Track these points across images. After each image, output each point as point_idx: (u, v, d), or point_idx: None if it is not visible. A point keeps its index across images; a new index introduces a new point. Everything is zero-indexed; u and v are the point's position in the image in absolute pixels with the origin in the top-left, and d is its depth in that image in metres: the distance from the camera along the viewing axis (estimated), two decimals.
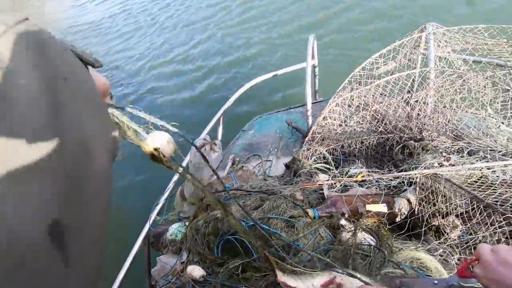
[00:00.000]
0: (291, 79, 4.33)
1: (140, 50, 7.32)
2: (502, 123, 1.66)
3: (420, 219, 1.38)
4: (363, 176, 1.43)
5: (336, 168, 1.81)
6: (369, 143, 2.05)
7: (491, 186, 1.22)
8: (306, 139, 2.05)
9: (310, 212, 1.26)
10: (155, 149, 0.45)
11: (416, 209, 1.44)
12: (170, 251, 1.50)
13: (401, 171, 1.42)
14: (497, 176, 1.27)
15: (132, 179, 4.36)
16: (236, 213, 1.26)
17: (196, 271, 1.12)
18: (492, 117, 1.75)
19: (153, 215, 1.80)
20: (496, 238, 1.11)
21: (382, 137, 2.04)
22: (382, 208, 1.41)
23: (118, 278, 1.61)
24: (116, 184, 4.42)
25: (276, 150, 2.38)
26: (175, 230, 1.58)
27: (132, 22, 8.77)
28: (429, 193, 1.38)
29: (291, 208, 1.23)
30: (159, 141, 0.45)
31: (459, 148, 1.68)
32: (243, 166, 2.29)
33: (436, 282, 0.80)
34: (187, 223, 1.50)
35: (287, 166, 2.04)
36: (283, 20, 6.42)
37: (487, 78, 1.80)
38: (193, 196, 1.59)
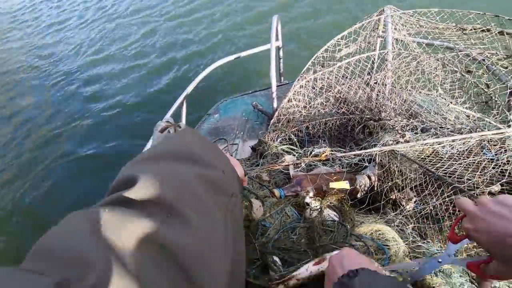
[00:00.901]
0: (256, 62, 4.28)
1: (81, 41, 6.73)
2: (451, 102, 1.79)
3: (379, 193, 1.46)
4: (326, 155, 1.47)
5: (301, 148, 1.84)
6: (332, 124, 2.11)
7: (441, 160, 1.32)
8: (272, 121, 2.06)
9: (276, 192, 1.27)
10: None
11: (376, 185, 1.52)
12: None
13: (362, 149, 1.47)
14: (446, 151, 1.37)
15: (88, 165, 4.12)
16: None
17: None
18: (442, 97, 1.87)
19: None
20: (445, 207, 1.21)
21: (344, 118, 2.11)
22: (344, 185, 1.46)
23: None
24: (69, 171, 4.13)
25: (242, 133, 2.36)
26: None
27: (61, 11, 7.95)
28: (387, 168, 1.46)
29: (258, 189, 1.22)
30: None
31: (413, 126, 1.79)
32: None
33: (440, 260, 0.80)
34: None
35: (253, 148, 2.03)
36: (244, 6, 6.27)
37: (438, 60, 1.91)
38: None
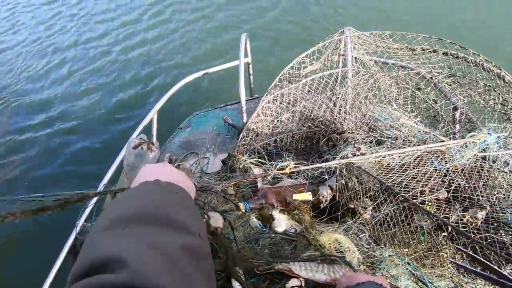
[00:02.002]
0: (228, 76, 4.38)
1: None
2: (403, 117, 1.95)
3: (340, 203, 1.57)
4: (290, 169, 1.56)
5: (270, 161, 1.92)
6: (299, 137, 2.22)
7: (392, 171, 1.45)
8: (241, 135, 2.13)
9: (242, 205, 1.33)
10: None
11: (337, 195, 1.62)
12: None
13: (323, 161, 1.58)
14: (397, 162, 1.50)
15: (57, 179, 3.95)
16: None
17: None
18: (397, 111, 2.04)
19: (81, 221, 1.68)
20: (397, 214, 1.33)
21: (310, 131, 2.23)
22: (307, 196, 1.55)
23: None
24: (39, 184, 3.95)
25: (213, 147, 2.41)
26: None
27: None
28: (346, 179, 1.57)
29: (223, 202, 1.28)
30: None
31: (371, 138, 1.93)
32: (179, 165, 2.27)
33: None
34: None
35: (223, 162, 2.09)
36: (212, 18, 6.39)
37: (392, 78, 2.09)
38: None
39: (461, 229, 1.12)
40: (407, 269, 1.10)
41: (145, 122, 2.26)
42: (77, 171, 4.04)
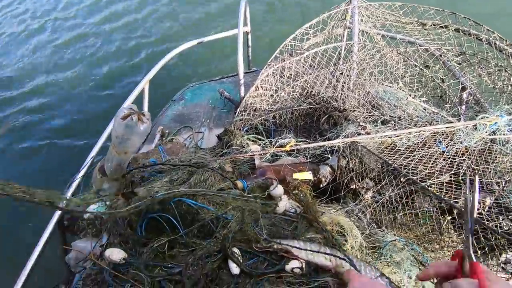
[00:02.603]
0: (225, 47, 4.16)
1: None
2: (409, 95, 1.86)
3: (341, 183, 1.51)
4: (291, 146, 1.47)
5: (268, 138, 1.83)
6: (299, 113, 2.12)
7: (398, 152, 1.38)
8: (238, 109, 2.01)
9: (239, 183, 1.25)
10: None
11: (338, 175, 1.56)
12: (88, 235, 1.35)
13: (325, 140, 1.49)
14: (403, 143, 1.43)
15: (44, 154, 3.81)
16: (161, 189, 1.18)
17: (115, 254, 1.03)
18: (402, 90, 1.95)
19: (67, 195, 1.59)
20: (399, 196, 1.28)
21: (311, 108, 2.13)
22: (308, 175, 1.48)
23: (27, 267, 1.42)
24: (25, 161, 3.81)
25: (208, 121, 2.30)
26: (93, 211, 1.42)
27: None
28: (348, 159, 1.50)
29: (220, 180, 1.20)
30: None
31: (375, 118, 1.85)
32: (173, 139, 2.16)
33: None
34: (107, 203, 1.36)
35: (219, 137, 1.99)
36: None
37: (400, 54, 1.97)
38: (115, 172, 1.43)
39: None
40: (412, 255, 1.06)
41: (136, 92, 2.12)
42: (64, 143, 3.89)
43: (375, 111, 1.95)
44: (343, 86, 2.11)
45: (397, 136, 1.39)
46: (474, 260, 0.59)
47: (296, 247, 1.01)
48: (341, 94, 2.09)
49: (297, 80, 2.14)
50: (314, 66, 2.18)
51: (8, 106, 4.67)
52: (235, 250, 1.03)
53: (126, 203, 1.19)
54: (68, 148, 3.75)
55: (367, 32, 2.19)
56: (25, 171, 3.65)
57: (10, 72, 5.23)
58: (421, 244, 1.18)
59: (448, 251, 1.26)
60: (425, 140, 1.49)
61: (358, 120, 1.69)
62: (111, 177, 1.42)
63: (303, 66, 2.16)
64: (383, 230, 1.26)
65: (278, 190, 1.28)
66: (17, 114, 4.54)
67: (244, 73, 2.51)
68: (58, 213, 1.57)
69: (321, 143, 1.42)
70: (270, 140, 1.62)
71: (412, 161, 1.29)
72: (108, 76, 4.73)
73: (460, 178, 1.22)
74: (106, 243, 1.19)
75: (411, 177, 1.16)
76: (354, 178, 1.49)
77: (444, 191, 1.16)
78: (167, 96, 2.79)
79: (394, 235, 1.21)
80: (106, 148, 1.75)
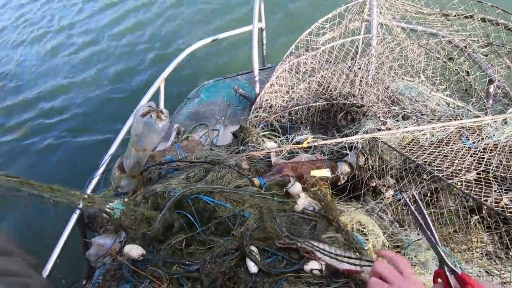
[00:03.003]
0: (239, 44, 4.14)
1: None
2: (432, 89, 1.78)
3: (360, 181, 1.46)
4: (308, 143, 1.44)
5: (284, 135, 1.80)
6: (315, 109, 2.07)
7: (421, 148, 1.32)
8: (253, 106, 1.99)
9: (256, 181, 1.24)
10: None
11: (357, 172, 1.51)
12: (108, 231, 1.37)
13: (343, 136, 1.45)
14: (426, 138, 1.37)
15: (64, 153, 3.93)
16: (178, 186, 1.18)
17: (134, 250, 1.03)
18: (424, 84, 1.87)
19: (88, 192, 1.63)
20: (423, 194, 1.22)
21: (327, 104, 2.08)
22: (326, 172, 1.44)
23: (50, 261, 1.46)
24: (47, 159, 3.94)
25: (223, 118, 2.29)
26: (114, 206, 1.44)
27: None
28: (368, 156, 1.45)
29: (237, 177, 1.18)
30: None
31: (395, 113, 1.78)
32: (188, 136, 2.17)
33: None
34: (126, 200, 1.38)
35: (234, 135, 1.98)
36: None
37: (421, 46, 1.89)
38: (134, 169, 1.44)
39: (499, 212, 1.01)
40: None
41: (152, 90, 2.14)
42: (84, 142, 3.98)
43: (395, 106, 1.88)
44: (361, 81, 2.04)
45: (420, 132, 1.33)
46: (459, 271, 0.57)
47: (320, 249, 0.97)
48: (359, 89, 2.03)
49: (313, 76, 2.10)
50: (331, 61, 2.13)
51: (29, 107, 4.84)
52: (253, 248, 1.01)
53: (144, 200, 1.20)
54: (87, 146, 3.85)
55: (386, 25, 2.12)
56: (46, 169, 3.78)
57: (30, 74, 5.42)
58: (447, 244, 1.13)
59: (477, 252, 1.19)
60: (450, 136, 1.42)
61: (378, 115, 1.64)
62: (129, 174, 1.43)
63: (319, 61, 2.11)
64: (406, 229, 1.21)
65: (296, 187, 1.26)
66: (38, 114, 4.70)
67: (259, 69, 2.48)
68: (78, 211, 1.60)
69: (339, 140, 1.38)
70: (287, 137, 1.59)
71: (437, 157, 1.23)
72: (123, 76, 4.82)
73: (489, 175, 1.16)
74: (124, 239, 1.20)
75: (436, 173, 1.10)
76: (374, 176, 1.44)
77: (472, 189, 1.10)
78: (182, 95, 2.80)
79: (418, 234, 1.16)
80: (125, 145, 1.78)
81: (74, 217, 1.57)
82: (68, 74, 5.17)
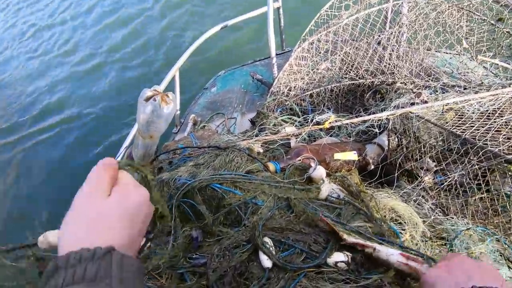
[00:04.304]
0: (257, 30, 3.99)
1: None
2: (477, 56, 1.53)
3: (393, 164, 1.27)
4: (330, 123, 1.28)
5: (305, 119, 1.65)
6: (339, 90, 1.89)
7: (468, 121, 1.10)
8: (271, 89, 1.85)
9: (271, 165, 1.10)
10: None
11: (389, 154, 1.32)
12: None
13: (371, 114, 1.27)
14: (474, 111, 1.15)
15: (82, 148, 4.03)
16: (185, 173, 1.08)
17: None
18: (468, 52, 1.61)
19: None
20: (472, 175, 1.02)
21: (353, 84, 1.88)
22: (352, 155, 1.27)
23: None
24: (66, 161, 4.05)
25: (240, 106, 2.17)
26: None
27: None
28: (401, 135, 1.26)
29: (248, 162, 1.06)
30: None
31: (433, 88, 1.55)
32: (205, 126, 2.08)
33: None
34: None
35: (252, 121, 1.85)
36: None
37: (462, 8, 1.63)
38: (142, 158, 1.37)
39: None
40: (493, 247, 0.82)
41: (166, 80, 2.08)
42: (101, 136, 4.03)
43: (433, 81, 1.65)
44: (390, 55, 1.82)
45: (464, 102, 1.11)
46: None
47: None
48: (389, 64, 1.81)
49: (336, 54, 1.90)
50: (355, 36, 1.92)
51: (56, 109, 5.01)
52: (267, 240, 0.88)
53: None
54: (105, 140, 3.90)
55: None
56: (67, 165, 3.88)
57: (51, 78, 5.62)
58: (507, 235, 0.92)
59: None
60: (504, 107, 1.18)
61: (410, 89, 1.43)
62: (139, 164, 1.36)
63: (342, 37, 1.91)
64: (452, 218, 1.02)
65: (319, 171, 1.11)
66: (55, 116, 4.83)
67: (277, 54, 2.33)
68: None
69: (367, 117, 1.20)
70: (305, 118, 1.43)
71: (488, 131, 1.02)
72: (139, 69, 4.84)
73: None
74: None
75: (490, 148, 0.90)
76: (410, 157, 1.24)
77: None
78: (200, 86, 2.73)
79: (467, 223, 0.96)
80: None
81: None
82: (84, 74, 5.30)
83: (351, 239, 0.81)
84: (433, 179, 1.18)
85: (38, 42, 6.36)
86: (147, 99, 1.33)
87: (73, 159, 3.89)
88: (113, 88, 4.73)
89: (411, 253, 0.76)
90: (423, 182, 1.15)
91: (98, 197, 0.45)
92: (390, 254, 0.77)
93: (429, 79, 1.68)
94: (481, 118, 1.10)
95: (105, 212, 0.44)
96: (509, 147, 0.92)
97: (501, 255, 0.83)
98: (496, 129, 1.04)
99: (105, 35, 5.80)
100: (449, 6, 1.67)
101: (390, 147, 1.31)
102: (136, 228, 0.46)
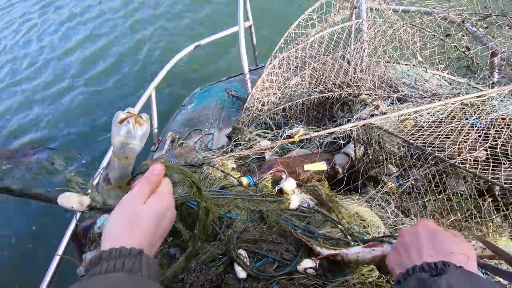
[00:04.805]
0: (231, 44, 4.10)
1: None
2: (428, 68, 1.68)
3: (359, 172, 1.37)
4: (300, 136, 1.36)
5: (278, 133, 1.73)
6: (310, 103, 1.99)
7: (421, 130, 1.22)
8: (245, 105, 1.93)
9: (244, 179, 1.16)
10: None
11: (356, 162, 1.42)
12: (99, 246, 1.32)
13: (337, 126, 1.36)
14: (427, 119, 1.26)
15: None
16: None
17: None
18: (422, 65, 1.76)
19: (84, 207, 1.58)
20: (430, 178, 1.12)
21: (322, 96, 1.99)
22: (321, 166, 1.36)
23: (45, 281, 1.42)
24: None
25: (217, 121, 2.24)
26: (103, 221, 1.39)
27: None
28: (365, 144, 1.36)
29: (223, 178, 1.11)
30: None
31: (393, 98, 1.68)
32: (183, 143, 2.12)
33: None
34: None
35: (228, 137, 1.91)
36: None
37: (414, 26, 1.79)
38: (119, 180, 1.39)
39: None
40: None
41: (143, 99, 2.11)
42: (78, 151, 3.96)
43: (395, 92, 1.78)
44: (355, 69, 1.95)
45: (416, 112, 1.23)
46: None
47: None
48: (354, 77, 1.94)
49: (305, 69, 2.02)
50: (322, 52, 2.05)
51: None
52: (241, 252, 0.93)
53: None
54: (78, 161, 3.83)
55: (377, 9, 2.03)
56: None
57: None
58: (460, 231, 1.02)
59: (493, 237, 1.08)
60: (453, 115, 1.31)
61: (372, 101, 1.54)
62: (116, 185, 1.38)
63: (310, 53, 2.03)
64: (412, 219, 1.11)
65: (289, 183, 1.18)
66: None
67: (251, 69, 2.42)
68: (72, 226, 1.56)
69: (332, 129, 1.29)
70: (278, 131, 1.51)
71: (437, 138, 1.13)
72: (116, 86, 4.80)
73: (497, 151, 1.05)
74: None
75: (437, 154, 1.00)
76: (374, 165, 1.34)
77: (480, 168, 0.99)
78: (177, 103, 2.77)
79: None
80: None
81: (69, 233, 1.53)
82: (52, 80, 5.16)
83: (324, 252, 0.87)
84: (395, 183, 1.28)
85: (2, 63, 6.17)
86: (121, 121, 1.37)
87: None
88: (88, 107, 4.66)
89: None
90: (386, 186, 1.25)
91: (138, 202, 0.59)
92: (357, 252, 0.83)
93: (390, 90, 1.82)
94: (432, 126, 1.22)
95: (140, 216, 0.57)
96: (454, 152, 1.03)
97: None
98: (444, 135, 1.16)
99: (75, 55, 5.71)
100: (403, 24, 1.83)
101: (357, 155, 1.41)
102: (160, 232, 0.59)
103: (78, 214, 1.60)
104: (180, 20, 5.41)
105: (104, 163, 1.80)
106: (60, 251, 1.51)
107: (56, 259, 1.49)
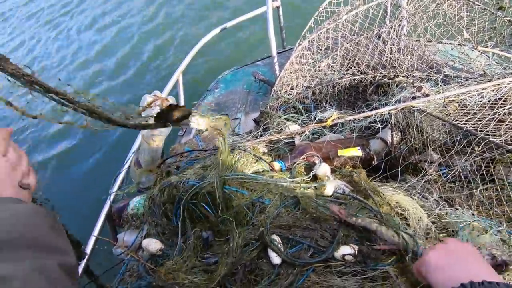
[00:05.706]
0: (258, 28, 4.00)
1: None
2: (476, 46, 1.52)
3: (397, 158, 1.29)
4: (333, 120, 1.29)
5: (308, 117, 1.67)
6: (341, 86, 1.90)
7: (470, 113, 1.11)
8: (273, 89, 1.87)
9: (276, 164, 1.13)
10: None
11: (392, 148, 1.34)
12: (133, 227, 1.36)
13: (373, 109, 1.28)
14: (475, 101, 1.15)
15: (90, 153, 4.09)
16: (193, 176, 1.11)
17: (152, 244, 0.99)
18: (470, 42, 1.61)
19: (114, 190, 1.63)
20: (476, 166, 1.03)
21: (355, 79, 1.89)
22: (356, 151, 1.29)
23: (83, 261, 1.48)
24: (78, 161, 4.09)
25: (244, 106, 2.20)
26: (136, 203, 1.42)
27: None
28: (404, 129, 1.27)
29: (253, 162, 1.08)
30: None
31: (435, 80, 1.55)
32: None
33: None
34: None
35: (256, 121, 1.88)
36: None
37: None
38: (149, 164, 1.41)
39: None
40: (499, 238, 0.83)
41: (170, 84, 2.11)
42: (109, 141, 4.08)
43: (435, 73, 1.65)
44: (391, 49, 1.82)
45: (465, 94, 1.12)
46: None
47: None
48: (390, 58, 1.82)
49: (337, 50, 1.91)
50: (355, 31, 1.93)
51: None
52: (275, 237, 0.91)
53: (160, 193, 1.15)
54: (111, 146, 3.95)
55: None
56: (75, 173, 3.95)
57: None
58: (509, 226, 0.93)
59: None
60: (507, 97, 1.18)
61: (412, 82, 1.43)
62: (146, 169, 1.40)
63: (342, 33, 1.92)
64: (457, 209, 1.03)
65: (323, 168, 1.13)
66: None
67: (278, 52, 2.34)
68: (106, 207, 1.62)
69: (369, 113, 1.22)
70: (308, 116, 1.45)
71: (491, 121, 1.03)
72: (143, 71, 4.88)
73: None
74: (145, 234, 1.17)
75: (492, 139, 0.91)
76: (414, 151, 1.25)
77: None
78: (204, 88, 2.76)
79: (473, 215, 0.97)
80: None
81: (103, 215, 1.59)
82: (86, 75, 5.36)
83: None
84: (437, 171, 1.19)
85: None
86: (149, 105, 1.36)
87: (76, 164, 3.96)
88: (117, 92, 4.79)
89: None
90: (427, 174, 1.17)
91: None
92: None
93: (431, 71, 1.68)
94: (483, 109, 1.11)
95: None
96: (511, 137, 0.93)
97: (505, 243, 0.84)
98: (498, 119, 1.05)
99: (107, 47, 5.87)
100: None
101: (394, 141, 1.32)
102: None
103: (112, 196, 1.65)
104: (204, 3, 5.36)
105: (134, 147, 1.83)
106: (96, 231, 1.56)
107: (92, 239, 1.55)
